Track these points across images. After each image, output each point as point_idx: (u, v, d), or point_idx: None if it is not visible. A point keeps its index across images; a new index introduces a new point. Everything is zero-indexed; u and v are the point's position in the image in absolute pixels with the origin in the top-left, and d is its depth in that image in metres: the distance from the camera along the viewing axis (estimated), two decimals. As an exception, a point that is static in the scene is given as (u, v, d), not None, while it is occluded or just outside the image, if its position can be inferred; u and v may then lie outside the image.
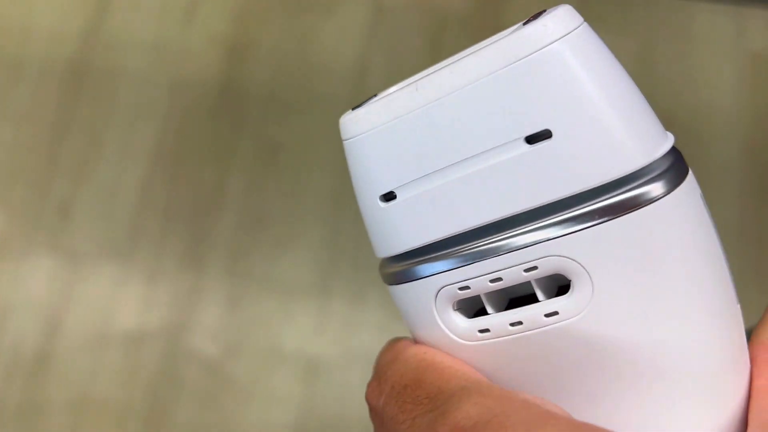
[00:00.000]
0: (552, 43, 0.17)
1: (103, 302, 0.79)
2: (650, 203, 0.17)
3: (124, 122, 0.85)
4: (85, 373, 0.76)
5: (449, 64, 0.18)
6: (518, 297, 0.19)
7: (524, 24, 0.17)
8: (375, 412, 0.20)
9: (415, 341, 0.21)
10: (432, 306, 0.20)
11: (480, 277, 0.19)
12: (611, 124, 0.17)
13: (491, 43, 0.18)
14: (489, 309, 0.19)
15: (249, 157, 0.83)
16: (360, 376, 0.75)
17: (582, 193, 0.17)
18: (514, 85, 0.17)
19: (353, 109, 0.21)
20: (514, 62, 0.17)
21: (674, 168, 0.17)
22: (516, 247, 0.18)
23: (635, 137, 0.17)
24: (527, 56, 0.17)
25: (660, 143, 0.17)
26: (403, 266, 0.20)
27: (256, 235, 0.80)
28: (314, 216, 0.80)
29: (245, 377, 0.75)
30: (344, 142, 0.21)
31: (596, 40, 0.17)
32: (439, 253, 0.19)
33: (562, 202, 0.17)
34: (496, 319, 0.19)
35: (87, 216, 0.82)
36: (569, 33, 0.17)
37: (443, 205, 0.19)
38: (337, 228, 0.79)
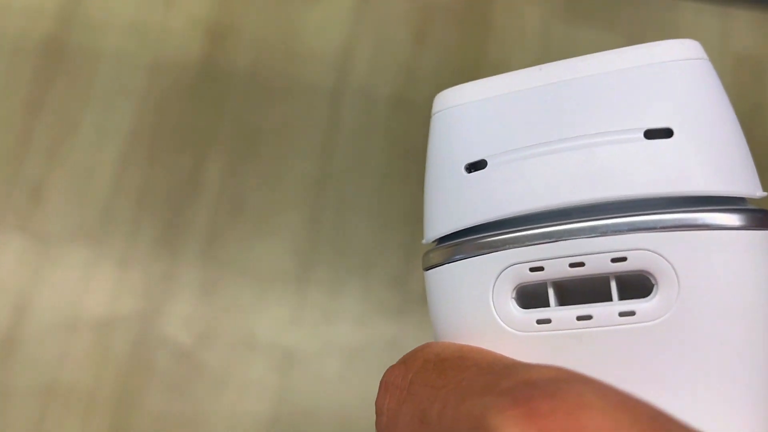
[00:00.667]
0: (696, 58, 0.18)
1: (73, 286, 0.77)
2: (752, 229, 0.17)
3: (101, 103, 0.83)
4: (53, 358, 0.75)
5: (580, 57, 0.19)
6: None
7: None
8: (394, 391, 0.18)
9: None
10: (490, 287, 0.18)
11: (560, 258, 0.18)
12: (731, 143, 0.18)
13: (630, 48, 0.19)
14: (552, 301, 0.18)
15: (228, 142, 0.82)
16: (336, 368, 0.74)
17: (688, 197, 0.17)
18: (651, 81, 0.18)
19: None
20: (657, 62, 0.18)
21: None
22: (611, 230, 0.17)
23: (745, 166, 0.18)
24: (673, 60, 0.18)
25: (759, 187, 0.18)
26: (471, 238, 0.19)
27: (233, 221, 0.79)
28: (293, 204, 0.79)
29: (218, 366, 0.74)
30: (437, 114, 0.20)
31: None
32: (520, 227, 0.18)
33: (666, 199, 0.18)
34: (562, 312, 0.18)
35: (59, 198, 0.80)
36: (705, 58, 0.19)
37: (538, 177, 0.18)
38: (317, 216, 0.78)
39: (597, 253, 0.17)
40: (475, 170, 0.19)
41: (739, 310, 0.17)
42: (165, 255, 0.78)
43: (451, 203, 0.19)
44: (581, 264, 0.18)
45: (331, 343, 0.75)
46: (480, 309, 0.18)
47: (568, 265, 0.18)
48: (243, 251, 0.78)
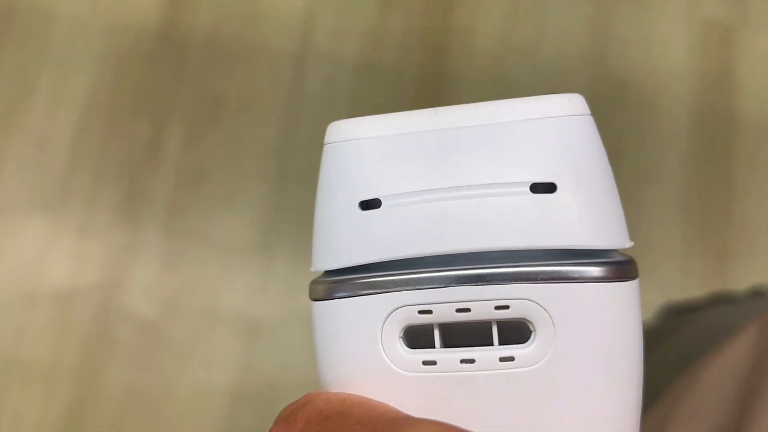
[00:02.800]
0: (580, 114, 0.19)
1: (31, 258, 0.75)
2: (619, 281, 0.19)
3: (56, 68, 0.80)
4: (12, 331, 0.73)
5: (474, 104, 0.19)
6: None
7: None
8: None
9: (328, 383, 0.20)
10: (379, 326, 0.19)
11: (448, 303, 0.18)
12: (607, 198, 0.19)
13: (520, 100, 0.19)
14: (437, 343, 0.19)
15: (188, 109, 0.79)
16: (301, 339, 0.74)
17: (568, 250, 0.19)
18: (538, 136, 0.19)
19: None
20: (545, 117, 0.19)
21: (634, 265, 0.19)
22: (496, 280, 0.18)
23: (618, 220, 0.19)
24: (559, 116, 0.19)
25: (628, 239, 0.20)
26: (362, 277, 0.19)
27: (195, 190, 0.77)
28: (256, 172, 0.77)
29: (182, 338, 0.73)
30: (332, 145, 0.20)
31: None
32: (410, 269, 0.19)
33: (547, 251, 0.19)
34: (446, 354, 0.19)
35: (14, 167, 0.78)
36: (589, 114, 0.19)
37: (430, 222, 0.19)
38: (281, 186, 0.77)
39: (482, 300, 0.18)
40: (369, 209, 0.19)
41: (606, 355, 0.18)
42: (125, 225, 0.76)
43: (344, 238, 0.20)
44: (467, 309, 0.19)
45: (296, 313, 0.74)
46: (368, 348, 0.19)
47: (455, 310, 0.19)
48: (206, 221, 0.76)
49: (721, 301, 0.45)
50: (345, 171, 0.20)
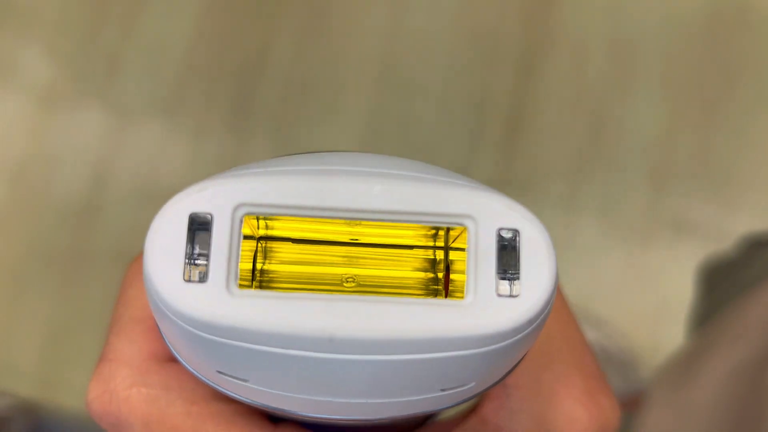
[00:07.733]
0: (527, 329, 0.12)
1: (150, 158, 0.79)
2: None
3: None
4: (132, 225, 0.78)
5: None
6: None
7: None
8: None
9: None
10: None
11: None
12: None
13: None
14: None
15: (297, 18, 0.81)
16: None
17: None
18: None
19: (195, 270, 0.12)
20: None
21: None
22: None
23: None
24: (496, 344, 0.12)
25: None
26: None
27: (302, 100, 0.79)
28: (360, 83, 0.78)
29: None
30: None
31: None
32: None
33: None
34: None
35: (134, 70, 0.81)
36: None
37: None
38: (383, 97, 0.78)
39: None
40: (232, 378, 0.13)
41: None
42: (236, 130, 0.79)
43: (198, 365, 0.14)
44: None
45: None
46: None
47: None
48: (311, 129, 0.78)
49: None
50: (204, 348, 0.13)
